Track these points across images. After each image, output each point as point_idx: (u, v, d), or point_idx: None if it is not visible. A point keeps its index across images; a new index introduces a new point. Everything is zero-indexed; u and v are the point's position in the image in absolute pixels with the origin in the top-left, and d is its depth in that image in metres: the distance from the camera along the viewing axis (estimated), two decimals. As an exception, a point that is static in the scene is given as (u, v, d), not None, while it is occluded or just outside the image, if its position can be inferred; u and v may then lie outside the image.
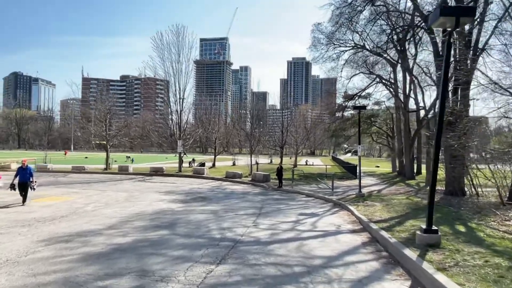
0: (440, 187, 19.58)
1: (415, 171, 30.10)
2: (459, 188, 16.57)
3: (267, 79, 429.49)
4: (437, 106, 26.01)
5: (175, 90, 31.13)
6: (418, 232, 7.11)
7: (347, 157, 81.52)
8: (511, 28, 14.80)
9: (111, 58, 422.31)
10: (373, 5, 24.33)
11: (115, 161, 38.53)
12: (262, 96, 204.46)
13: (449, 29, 6.60)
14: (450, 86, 18.32)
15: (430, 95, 51.25)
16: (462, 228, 8.95)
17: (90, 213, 11.73)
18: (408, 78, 28.16)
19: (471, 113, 17.13)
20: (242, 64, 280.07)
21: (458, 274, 5.14)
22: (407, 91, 28.85)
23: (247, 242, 8.03)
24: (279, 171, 21.12)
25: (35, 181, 13.45)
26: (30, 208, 12.44)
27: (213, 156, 42.87)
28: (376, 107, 39.30)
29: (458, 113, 12.59)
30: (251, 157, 31.81)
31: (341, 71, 31.80)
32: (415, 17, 22.21)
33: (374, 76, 31.81)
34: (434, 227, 6.90)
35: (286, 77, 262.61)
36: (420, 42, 25.86)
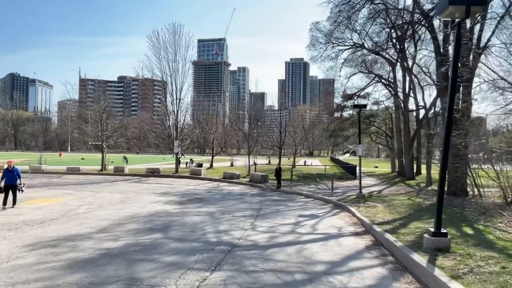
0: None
1: (414, 171, 29.74)
2: (462, 189, 16.19)
3: (266, 80, 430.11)
4: (437, 104, 25.88)
5: (172, 90, 30.70)
6: (425, 235, 6.68)
7: (346, 158, 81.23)
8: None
9: (111, 58, 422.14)
10: (372, 3, 24.02)
11: (112, 162, 37.97)
12: (260, 96, 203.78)
13: (458, 19, 6.21)
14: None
15: (430, 94, 50.52)
16: (469, 230, 8.56)
17: (81, 215, 11.27)
18: (407, 77, 27.81)
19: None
20: (241, 65, 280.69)
21: (474, 283, 4.72)
22: (407, 90, 28.51)
23: (244, 246, 7.61)
24: (278, 171, 20.73)
25: (23, 183, 12.89)
26: (19, 210, 11.98)
27: (211, 157, 42.41)
28: (375, 107, 39.02)
29: (462, 110, 12.20)
30: (249, 157, 31.37)
31: (340, 70, 31.46)
32: (415, 14, 21.92)
33: (373, 76, 31.47)
34: (443, 230, 6.48)
35: (284, 78, 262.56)
36: (419, 40, 25.52)
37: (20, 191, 12.63)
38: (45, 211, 11.93)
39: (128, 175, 28.65)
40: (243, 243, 7.84)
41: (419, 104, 28.42)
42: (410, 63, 27.08)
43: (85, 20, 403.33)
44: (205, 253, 6.89)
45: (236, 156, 58.40)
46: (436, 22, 19.35)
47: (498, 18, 14.96)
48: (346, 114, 37.42)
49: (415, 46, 26.46)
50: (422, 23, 20.57)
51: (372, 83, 32.01)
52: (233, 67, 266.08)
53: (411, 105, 29.67)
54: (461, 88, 16.53)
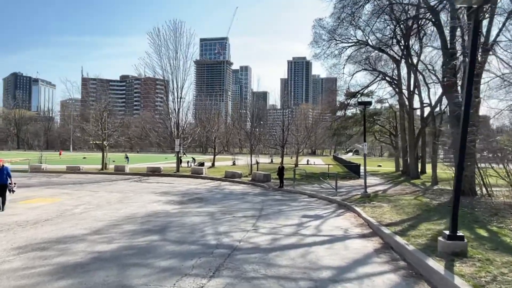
0: (449, 187, 18.75)
1: (419, 170, 29.18)
2: (470, 188, 15.66)
3: (268, 79, 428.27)
4: (443, 102, 25.36)
5: (173, 88, 30.29)
6: (440, 238, 6.21)
7: (349, 157, 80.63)
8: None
9: (111, 58, 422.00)
10: (377, -2, 23.46)
11: (114, 161, 37.70)
12: (263, 95, 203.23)
13: (475, 5, 5.74)
14: (459, 81, 17.53)
15: (435, 92, 49.86)
16: (483, 232, 8.08)
17: (77, 215, 10.88)
18: (412, 74, 27.25)
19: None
20: (243, 64, 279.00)
21: (499, 293, 4.27)
22: (412, 88, 27.96)
23: (245, 249, 7.17)
24: (281, 170, 20.28)
25: (14, 183, 12.23)
26: (14, 210, 11.59)
27: (213, 156, 42.00)
28: (379, 105, 38.49)
29: (476, 106, 11.70)
30: (251, 156, 30.94)
31: (343, 67, 30.94)
32: (421, 9, 21.37)
33: (377, 73, 30.96)
34: (459, 233, 6.02)
35: (286, 77, 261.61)
36: (425, 36, 24.97)
37: (11, 192, 11.94)
38: (40, 211, 11.54)
39: (128, 174, 28.29)
40: (244, 246, 7.41)
41: (424, 101, 27.88)
42: (415, 60, 26.55)
43: (85, 20, 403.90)
44: (203, 257, 6.46)
45: (238, 155, 57.98)
46: (443, 17, 18.87)
47: (506, 15, 14.46)
48: (349, 112, 36.98)
49: (420, 42, 25.93)
50: (428, 17, 20.01)
51: (376, 80, 31.51)
52: (235, 66, 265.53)
53: (416, 103, 29.17)
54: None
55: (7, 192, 11.79)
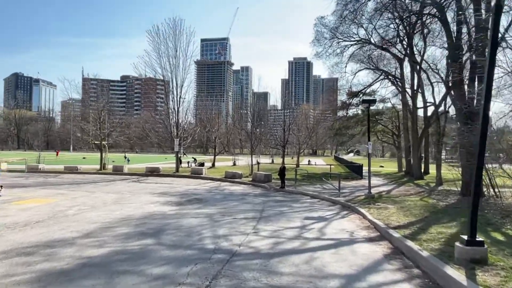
0: (454, 188, 18.25)
1: (422, 170, 28.65)
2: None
3: (269, 79, 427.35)
4: (447, 101, 24.80)
5: (173, 87, 29.83)
6: (457, 243, 5.71)
7: (350, 157, 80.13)
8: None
9: (112, 59, 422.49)
10: (379, -6, 22.94)
11: (113, 161, 37.26)
12: (263, 96, 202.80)
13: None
14: (465, 78, 17.04)
15: (439, 91, 49.19)
16: (500, 236, 7.59)
17: (70, 217, 10.41)
18: (415, 73, 26.74)
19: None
20: (243, 64, 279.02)
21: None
22: (415, 87, 27.44)
23: (245, 254, 6.68)
24: (282, 171, 19.79)
25: (1, 185, 11.73)
26: (5, 211, 11.12)
27: (213, 156, 41.52)
28: (381, 105, 37.99)
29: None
30: (251, 156, 30.44)
31: (346, 66, 30.48)
32: (425, 6, 20.86)
33: (380, 72, 30.45)
34: (478, 238, 5.52)
35: (287, 77, 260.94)
36: (428, 34, 24.46)
37: None
38: (32, 212, 11.08)
39: (127, 174, 27.83)
40: (244, 251, 6.92)
41: (428, 101, 27.36)
42: (418, 59, 26.03)
43: (85, 20, 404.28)
44: (200, 264, 5.98)
45: (239, 155, 57.42)
46: (449, 12, 18.36)
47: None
48: (350, 112, 36.46)
49: (424, 40, 25.43)
50: (434, 13, 19.51)
51: (379, 79, 31.02)
52: (236, 66, 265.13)
53: (419, 103, 28.64)
54: (475, 81, 15.59)
55: None
